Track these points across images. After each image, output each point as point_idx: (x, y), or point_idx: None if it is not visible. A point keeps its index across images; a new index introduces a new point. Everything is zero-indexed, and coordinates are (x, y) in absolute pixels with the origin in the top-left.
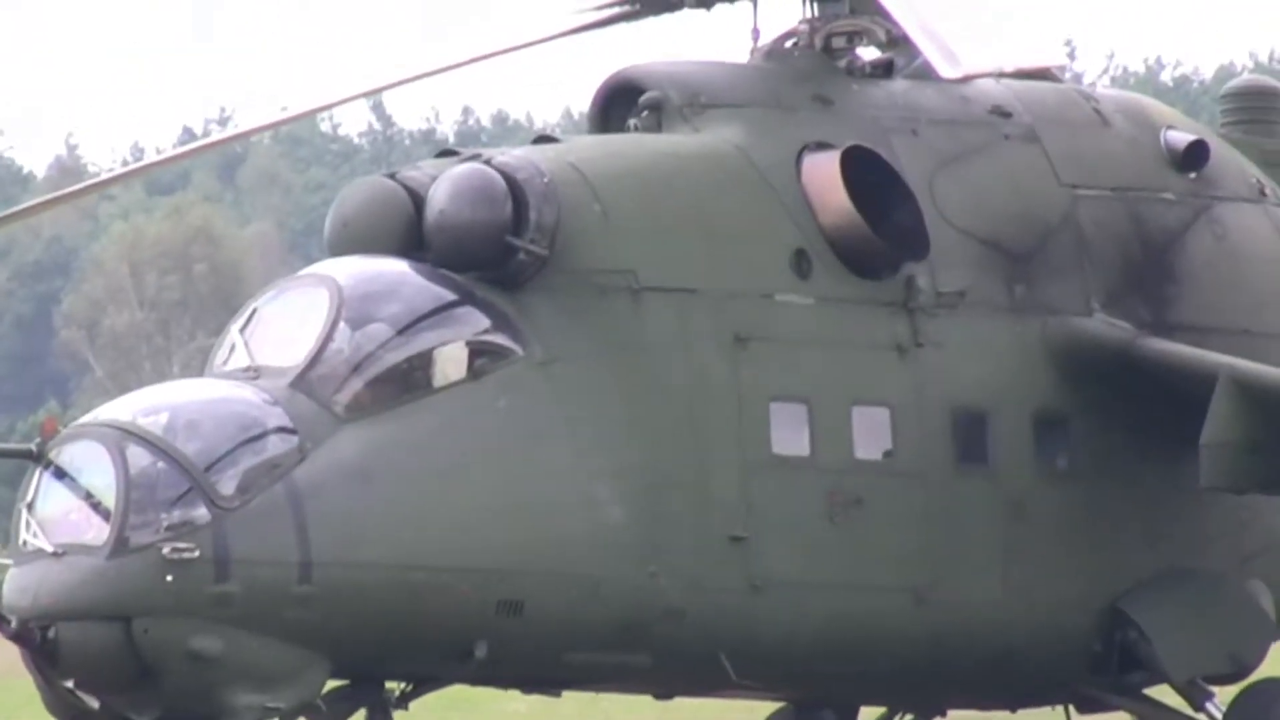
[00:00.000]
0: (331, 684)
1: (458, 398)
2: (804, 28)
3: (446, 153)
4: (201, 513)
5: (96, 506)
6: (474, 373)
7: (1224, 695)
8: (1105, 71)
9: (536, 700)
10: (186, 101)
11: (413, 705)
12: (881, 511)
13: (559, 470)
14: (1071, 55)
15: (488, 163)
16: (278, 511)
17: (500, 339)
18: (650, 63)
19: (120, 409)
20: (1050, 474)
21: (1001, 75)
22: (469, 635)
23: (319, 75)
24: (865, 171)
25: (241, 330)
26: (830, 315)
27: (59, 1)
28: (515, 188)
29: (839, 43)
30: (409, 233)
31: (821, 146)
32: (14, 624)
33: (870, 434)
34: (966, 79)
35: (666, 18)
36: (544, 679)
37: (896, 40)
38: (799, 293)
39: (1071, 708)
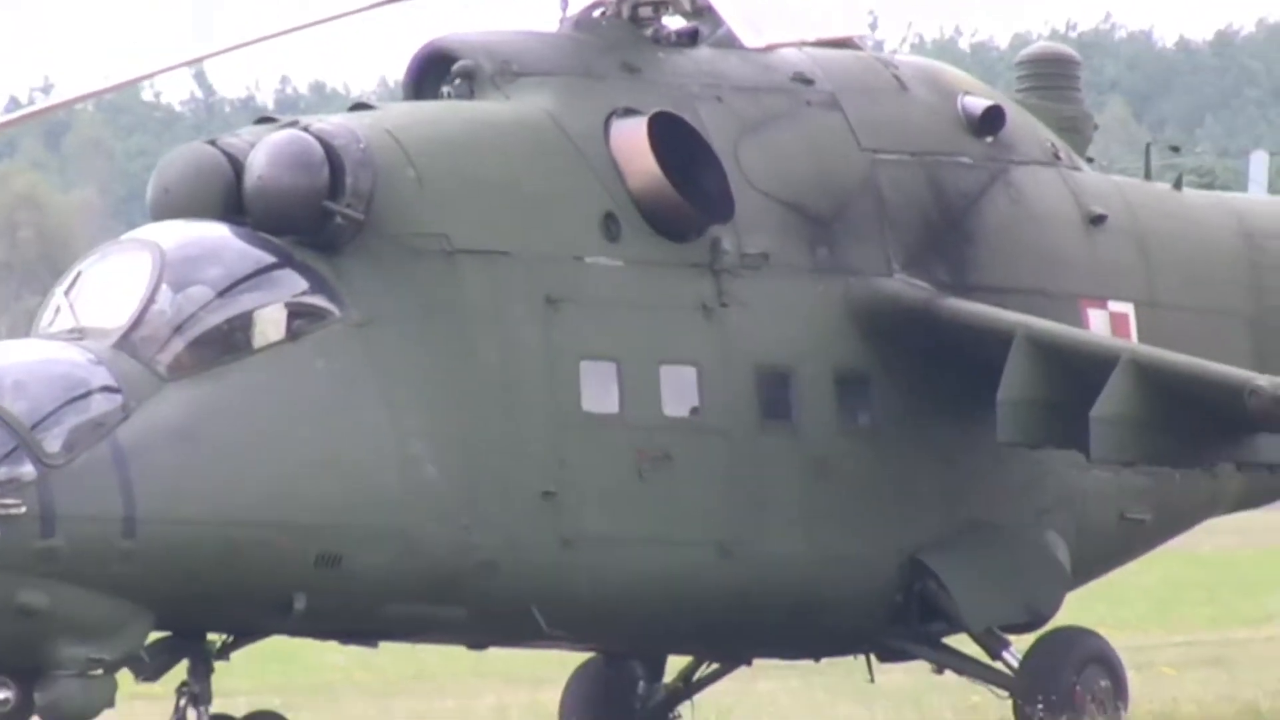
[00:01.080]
0: (154, 636)
1: (276, 358)
2: None
3: (265, 120)
4: (27, 470)
5: None
6: (292, 334)
7: (1021, 644)
8: (904, 40)
9: (354, 651)
10: (10, 70)
11: (233, 656)
12: (688, 467)
13: (375, 428)
14: (873, 25)
15: (305, 129)
16: (102, 469)
17: (318, 301)
18: (463, 33)
19: None
20: (852, 431)
21: (804, 44)
22: (288, 588)
23: (142, 44)
24: (672, 137)
25: (66, 293)
26: (638, 277)
27: None
28: (332, 153)
29: (646, 12)
30: (229, 198)
31: (629, 113)
32: None
33: (678, 392)
34: (770, 48)
35: None
36: (361, 631)
37: (701, 10)
38: (608, 255)
39: (873, 657)
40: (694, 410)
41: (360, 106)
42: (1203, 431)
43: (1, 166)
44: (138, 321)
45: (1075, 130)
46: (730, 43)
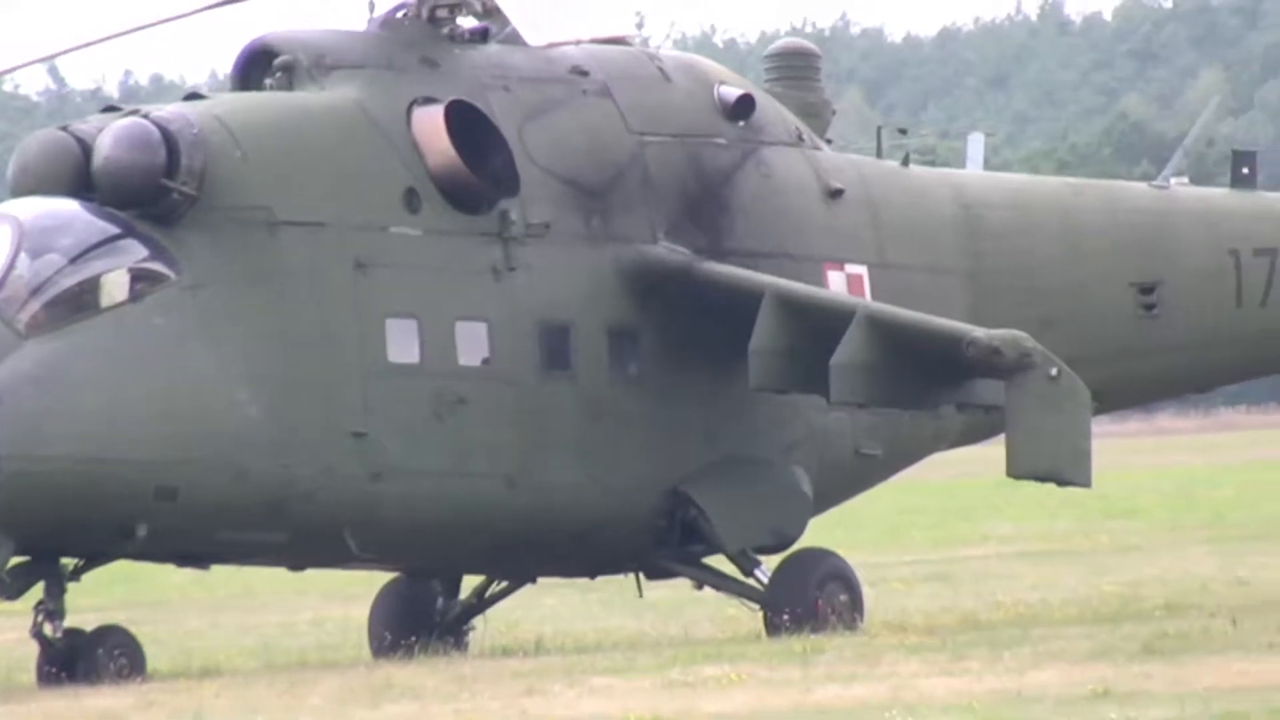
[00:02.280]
0: (14, 560)
1: (121, 316)
2: (413, 1)
3: (111, 108)
4: None
5: None
6: (134, 295)
7: (770, 563)
8: (668, 36)
9: (189, 572)
10: None
11: (84, 578)
12: (480, 410)
13: (206, 376)
14: (640, 24)
15: (146, 116)
16: None
17: (157, 266)
18: (283, 31)
19: None
20: (623, 378)
21: (580, 42)
22: (131, 518)
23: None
24: (465, 122)
25: None
26: (436, 244)
27: None
28: (169, 137)
29: (442, 14)
30: (79, 177)
31: (428, 101)
32: None
33: (471, 345)
34: (550, 45)
35: None
36: (196, 555)
37: (491, 11)
38: (410, 225)
39: (642, 575)
40: (485, 360)
41: (194, 96)
42: (927, 377)
43: None
44: (0, 285)
45: (816, 115)
46: (516, 40)
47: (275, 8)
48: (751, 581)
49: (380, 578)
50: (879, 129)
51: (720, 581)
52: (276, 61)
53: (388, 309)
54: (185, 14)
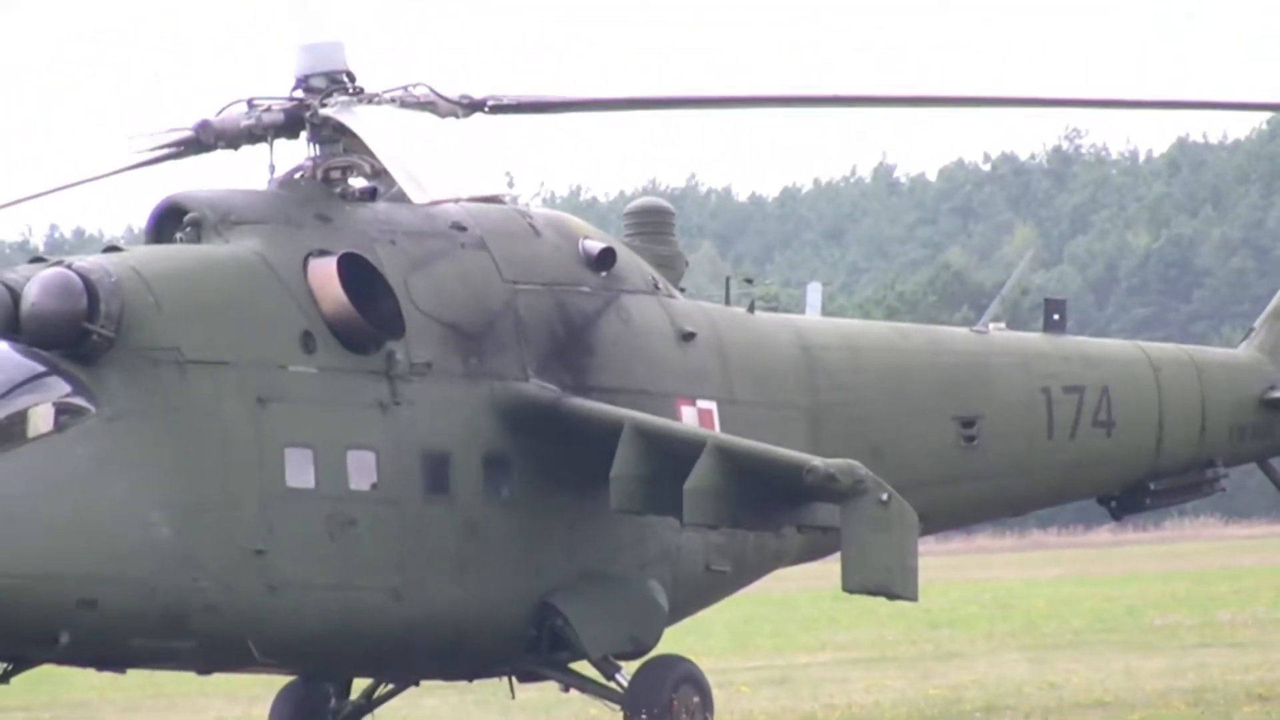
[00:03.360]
0: None
1: (46, 446)
2: (308, 163)
3: (37, 259)
4: None
5: None
6: (58, 426)
7: (629, 668)
8: (537, 194)
9: (107, 675)
10: None
11: (13, 681)
12: (368, 530)
13: (123, 500)
14: (511, 183)
15: (69, 266)
16: None
17: (79, 401)
18: (192, 190)
19: None
20: (497, 501)
21: (459, 200)
22: (54, 627)
23: None
24: (356, 272)
25: None
26: (330, 381)
27: None
28: (89, 285)
29: (335, 175)
30: (8, 320)
31: (323, 253)
32: None
33: (360, 471)
34: (433, 203)
35: (205, 157)
36: (113, 660)
37: (379, 173)
38: (306, 364)
39: (514, 678)
40: (373, 485)
41: (112, 248)
42: (771, 501)
43: None
44: None
45: (670, 266)
46: (402, 198)
47: (186, 168)
48: (612, 685)
49: (279, 680)
50: (727, 279)
51: (584, 684)
52: (186, 218)
53: (286, 439)
54: (107, 174)
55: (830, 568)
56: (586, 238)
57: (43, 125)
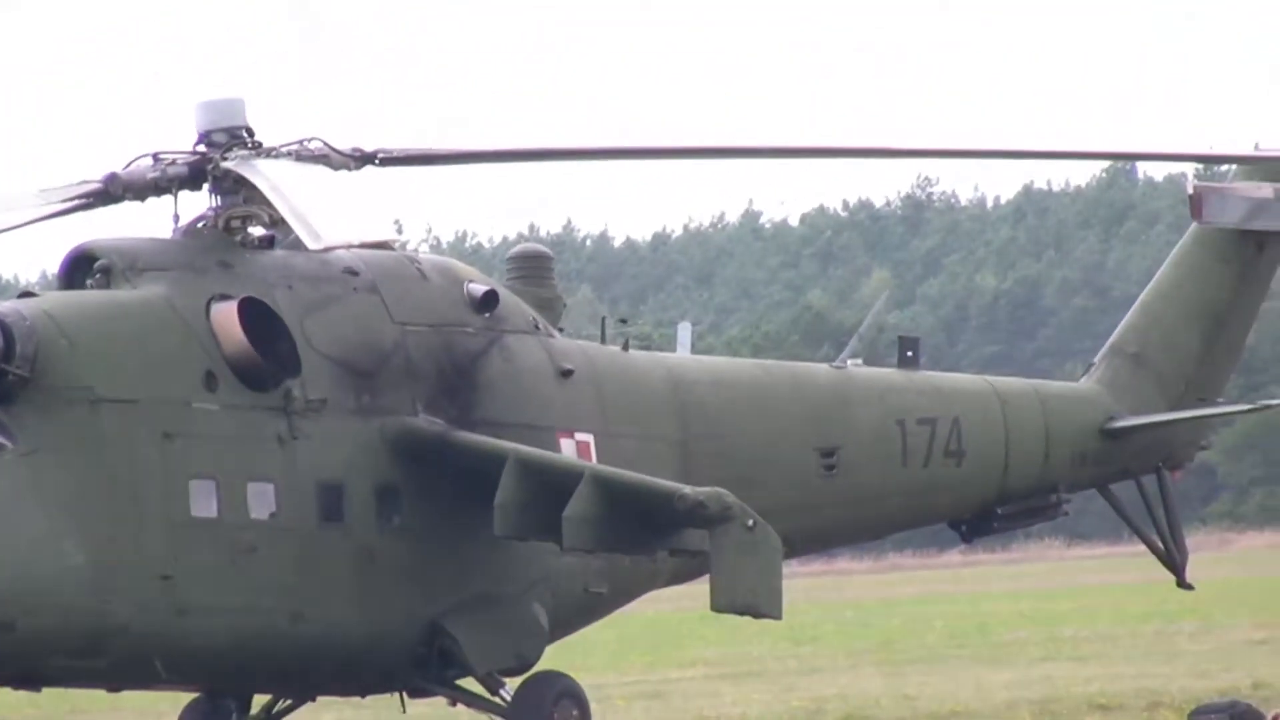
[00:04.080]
0: None
1: None
2: (210, 214)
3: None
4: None
5: None
6: None
7: (513, 684)
8: (424, 240)
9: (24, 694)
10: None
11: None
12: (268, 556)
13: (38, 529)
14: (400, 231)
15: None
16: None
17: None
18: (102, 238)
19: None
20: (389, 528)
21: (351, 246)
22: None
23: None
24: (255, 315)
25: None
26: (231, 417)
27: None
28: (5, 328)
29: (236, 224)
30: None
31: (224, 297)
32: None
33: (260, 501)
34: (327, 249)
35: (114, 208)
36: (30, 679)
37: (277, 222)
38: (209, 402)
39: (405, 694)
40: (272, 515)
41: (26, 294)
42: (645, 527)
43: None
44: None
45: (550, 308)
46: (298, 246)
47: (96, 218)
48: (497, 700)
49: (185, 696)
50: (603, 319)
51: (471, 699)
52: (96, 264)
53: (190, 471)
54: (20, 224)
55: (700, 589)
56: (471, 281)
57: None
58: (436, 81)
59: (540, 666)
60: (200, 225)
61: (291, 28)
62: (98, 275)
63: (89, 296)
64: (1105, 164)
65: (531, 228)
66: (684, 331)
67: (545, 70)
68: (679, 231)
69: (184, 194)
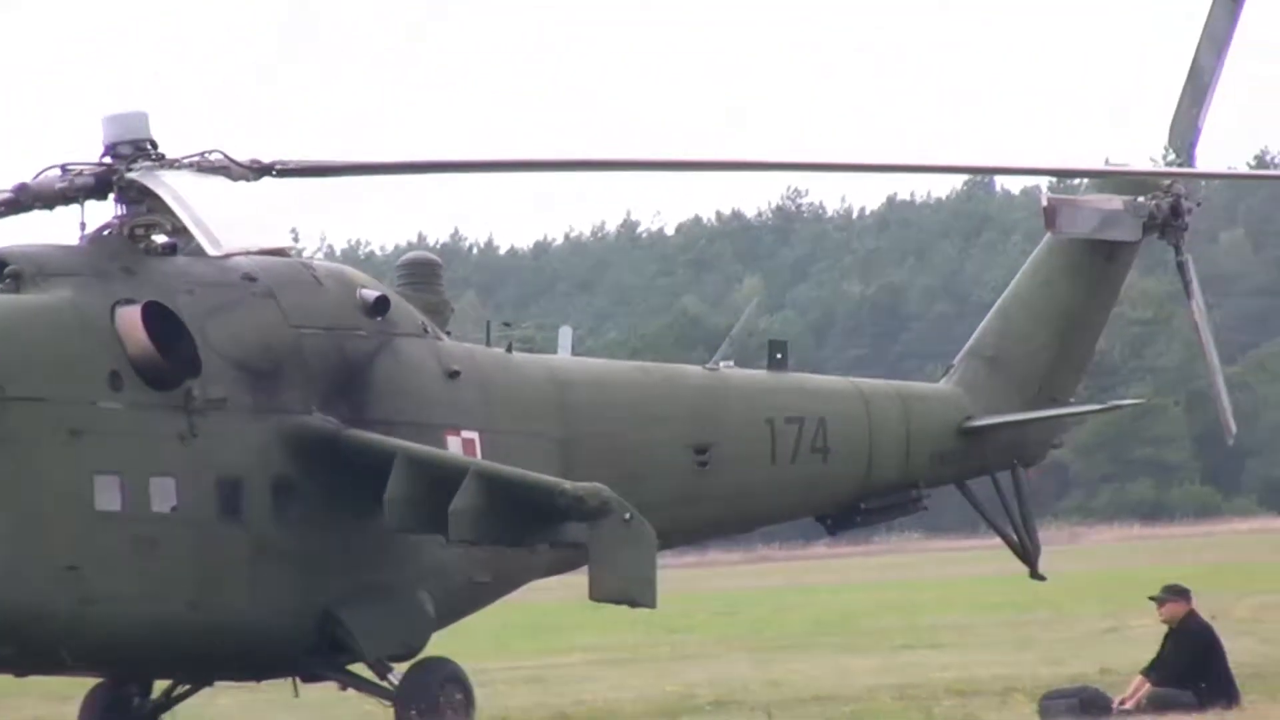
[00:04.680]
0: None
1: None
2: (115, 222)
3: None
4: None
5: None
6: None
7: (401, 669)
8: (319, 249)
9: None
10: None
11: None
12: (170, 548)
13: None
14: (296, 239)
15: None
16: None
17: None
18: (12, 245)
19: None
20: (284, 522)
21: (249, 254)
22: None
23: None
24: (158, 318)
25: None
26: (135, 415)
27: None
28: None
29: (140, 232)
30: None
31: (129, 301)
32: None
33: (162, 495)
34: (226, 256)
35: (24, 216)
36: None
37: (179, 230)
38: (114, 401)
39: (299, 679)
40: (173, 508)
41: None
42: (527, 520)
43: None
44: None
45: (438, 312)
46: (199, 253)
47: (5, 227)
48: (385, 684)
49: (89, 681)
50: (488, 323)
51: (360, 684)
52: (6, 270)
53: (96, 467)
54: None
55: (579, 579)
56: (363, 287)
57: None
58: (328, 92)
59: (427, 653)
60: (106, 233)
61: (198, 40)
62: (7, 280)
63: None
64: (965, 177)
65: (420, 236)
66: (565, 335)
67: (441, 77)
68: (560, 240)
69: (91, 203)
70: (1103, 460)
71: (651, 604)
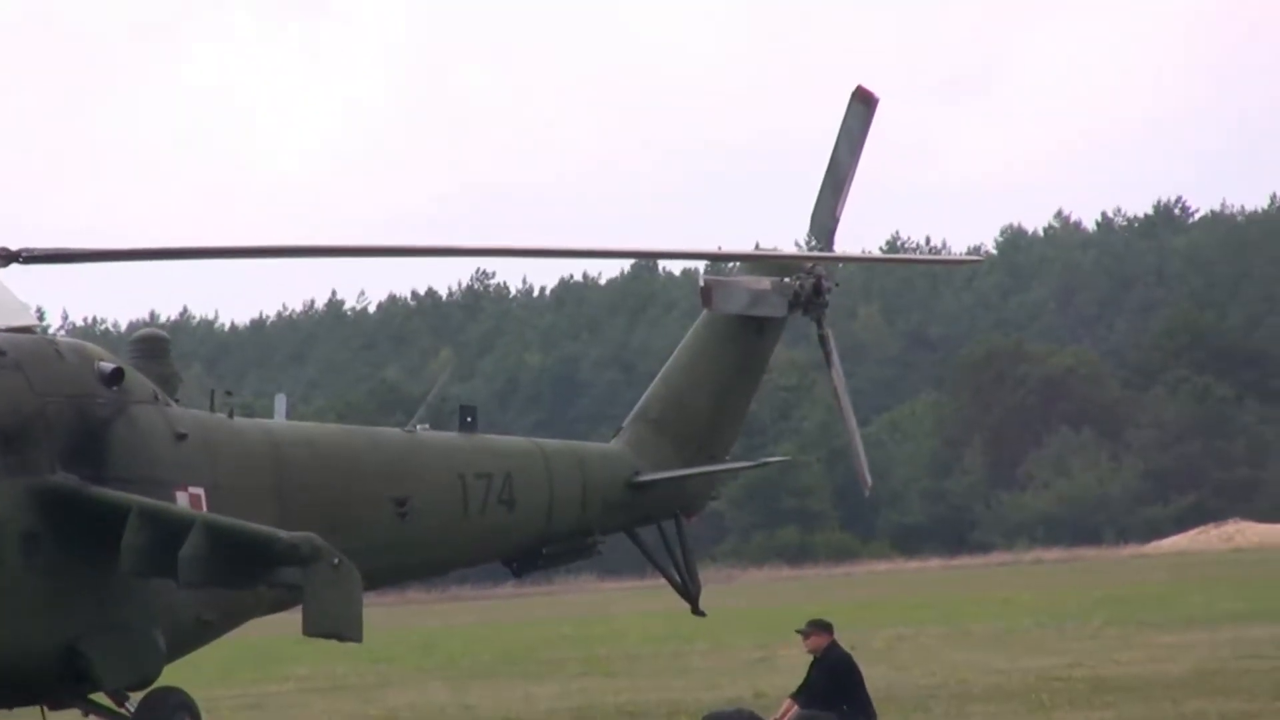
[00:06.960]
0: None
1: None
2: None
3: None
4: None
5: None
6: None
7: (136, 697)
8: (61, 326)
9: None
10: None
11: None
12: None
13: None
14: (41, 317)
15: None
16: None
17: None
18: None
19: None
20: (34, 568)
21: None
22: None
23: None
24: None
25: None
26: None
27: None
28: None
29: None
30: None
31: None
32: None
33: None
34: None
35: None
36: None
37: None
38: None
39: (46, 707)
40: None
41: None
42: (248, 565)
43: None
44: None
45: (168, 382)
46: None
47: None
48: (123, 711)
49: None
50: (213, 391)
51: (101, 711)
52: None
53: None
54: None
55: (294, 616)
56: (101, 360)
57: None
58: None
59: (160, 683)
60: None
61: None
62: None
63: None
64: (632, 261)
65: (152, 314)
66: (280, 402)
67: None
68: (274, 317)
69: None
70: (754, 510)
71: (358, 638)
